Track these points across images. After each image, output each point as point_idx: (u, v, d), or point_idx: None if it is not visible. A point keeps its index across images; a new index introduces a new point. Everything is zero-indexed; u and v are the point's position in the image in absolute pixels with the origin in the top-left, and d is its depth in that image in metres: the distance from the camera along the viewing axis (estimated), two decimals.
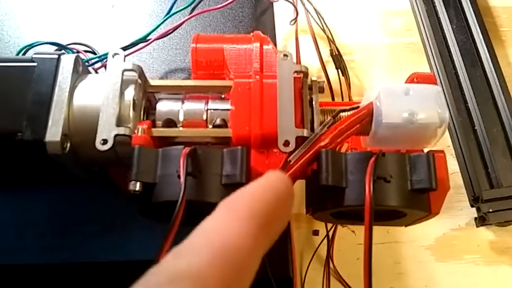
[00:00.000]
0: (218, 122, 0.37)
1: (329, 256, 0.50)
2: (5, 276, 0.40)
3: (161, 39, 0.47)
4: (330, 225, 0.50)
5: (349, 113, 0.36)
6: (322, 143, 0.34)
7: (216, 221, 0.23)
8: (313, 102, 0.37)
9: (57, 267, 0.40)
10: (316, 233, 0.51)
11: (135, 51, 0.46)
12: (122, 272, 0.40)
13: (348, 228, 0.51)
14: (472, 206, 0.52)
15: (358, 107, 0.36)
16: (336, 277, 0.50)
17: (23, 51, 0.47)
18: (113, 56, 0.36)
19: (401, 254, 0.51)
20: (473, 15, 0.60)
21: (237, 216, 0.23)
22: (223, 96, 0.39)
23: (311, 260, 0.50)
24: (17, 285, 0.40)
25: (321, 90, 0.37)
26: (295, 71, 0.37)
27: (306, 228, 0.51)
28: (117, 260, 0.40)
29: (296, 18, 0.58)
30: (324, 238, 0.50)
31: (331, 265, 0.50)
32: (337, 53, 0.58)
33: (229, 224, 0.22)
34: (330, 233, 0.50)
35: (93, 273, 0.40)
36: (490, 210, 0.50)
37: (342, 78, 0.58)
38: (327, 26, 0.59)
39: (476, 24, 0.59)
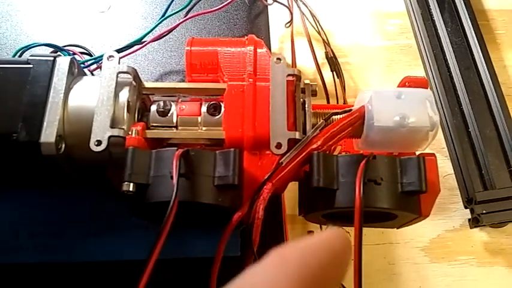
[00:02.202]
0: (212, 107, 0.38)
1: None
2: (0, 276, 0.40)
3: (156, 42, 0.47)
4: (324, 226, 0.50)
5: (341, 116, 0.36)
6: (314, 146, 0.34)
7: (264, 273, 0.21)
8: (306, 105, 0.37)
9: (52, 266, 0.40)
10: (311, 233, 0.52)
11: (130, 53, 0.46)
12: (117, 271, 0.40)
13: (343, 229, 0.51)
14: (465, 207, 0.53)
15: (350, 110, 0.36)
16: None
17: (19, 53, 0.47)
18: (108, 59, 0.36)
19: (395, 255, 0.52)
20: (468, 18, 0.60)
21: (286, 274, 0.21)
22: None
23: None
24: (12, 284, 0.40)
25: (314, 93, 0.38)
26: (288, 74, 0.37)
27: (301, 229, 0.52)
28: (112, 260, 0.40)
29: (291, 21, 0.58)
30: None
31: None
32: (332, 55, 0.59)
33: (277, 280, 0.21)
34: None
35: (88, 272, 0.40)
36: (484, 211, 0.50)
37: (337, 80, 0.58)
38: (322, 29, 0.60)
39: (471, 27, 0.60)
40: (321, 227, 0.50)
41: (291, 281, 0.21)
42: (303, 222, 0.52)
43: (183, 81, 0.48)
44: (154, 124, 0.37)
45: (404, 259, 0.51)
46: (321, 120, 0.36)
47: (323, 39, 0.60)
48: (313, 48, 0.58)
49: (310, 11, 0.60)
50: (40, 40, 0.49)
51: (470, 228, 0.53)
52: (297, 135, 0.35)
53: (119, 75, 0.36)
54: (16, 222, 0.41)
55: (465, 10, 0.61)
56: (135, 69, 0.37)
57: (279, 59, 0.37)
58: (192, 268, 0.40)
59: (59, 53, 0.47)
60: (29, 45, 0.47)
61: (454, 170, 0.55)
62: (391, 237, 0.52)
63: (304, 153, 0.34)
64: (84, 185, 0.41)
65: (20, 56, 0.47)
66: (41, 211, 0.41)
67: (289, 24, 0.58)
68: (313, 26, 0.60)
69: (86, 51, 0.49)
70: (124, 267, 0.40)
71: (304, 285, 0.21)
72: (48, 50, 0.48)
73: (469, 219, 0.53)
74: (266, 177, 0.33)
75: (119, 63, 0.36)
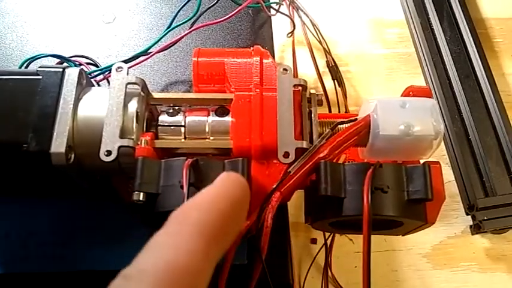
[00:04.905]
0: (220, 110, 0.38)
1: (327, 264, 0.50)
2: (8, 285, 0.40)
3: (162, 52, 0.48)
4: (327, 233, 0.50)
5: (347, 125, 0.37)
6: (321, 155, 0.34)
7: (164, 236, 0.22)
8: (312, 115, 0.38)
9: (59, 275, 0.41)
10: (314, 241, 0.52)
11: (136, 64, 0.47)
12: None
13: (346, 236, 0.52)
14: (467, 214, 0.53)
15: (356, 119, 0.37)
16: (334, 285, 0.50)
17: (25, 64, 0.48)
18: (117, 70, 0.36)
19: (398, 262, 0.52)
20: (467, 26, 0.61)
21: (186, 231, 0.22)
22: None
23: (309, 268, 0.51)
24: None
25: (320, 103, 0.38)
26: (295, 85, 0.37)
27: (304, 236, 0.52)
28: (119, 269, 0.40)
29: (293, 31, 0.59)
30: (322, 246, 0.51)
31: (329, 273, 0.50)
32: (333, 64, 0.59)
33: (177, 241, 0.21)
34: (328, 242, 0.51)
35: (95, 281, 0.41)
36: (485, 218, 0.51)
37: (339, 89, 0.58)
38: (323, 38, 0.60)
39: (470, 35, 0.61)
40: (324, 235, 0.50)
41: (192, 239, 0.21)
42: (306, 229, 0.52)
43: (189, 91, 0.48)
44: (163, 134, 0.37)
45: (407, 266, 0.52)
46: (327, 130, 0.36)
47: (324, 48, 0.60)
48: (314, 57, 0.59)
49: (311, 21, 0.61)
50: (46, 51, 0.49)
51: (472, 234, 0.53)
52: (304, 144, 0.36)
53: (128, 86, 0.36)
54: (24, 232, 0.41)
55: (464, 19, 0.62)
56: (144, 80, 0.37)
57: (285, 69, 0.38)
58: None
59: (65, 64, 0.48)
60: (35, 56, 0.48)
61: (455, 177, 0.56)
62: (394, 244, 0.53)
63: (311, 162, 0.34)
64: (92, 195, 0.41)
65: (26, 67, 0.47)
66: (49, 221, 0.41)
67: (290, 34, 0.59)
68: (314, 35, 0.60)
69: (92, 62, 0.49)
70: None
71: (205, 240, 0.22)
72: (54, 61, 0.48)
73: (471, 226, 0.53)
74: (275, 186, 0.33)
75: (128, 74, 0.37)
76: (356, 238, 0.52)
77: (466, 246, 0.53)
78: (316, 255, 0.51)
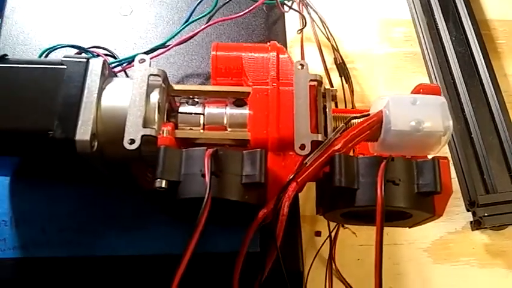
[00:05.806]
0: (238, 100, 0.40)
1: (331, 256, 0.51)
2: (27, 269, 0.41)
3: (178, 46, 0.49)
4: (332, 226, 0.52)
5: (360, 119, 0.38)
6: (336, 147, 0.36)
7: None
8: (327, 109, 0.39)
9: (77, 260, 0.42)
10: (318, 234, 0.53)
11: (153, 57, 0.48)
12: (141, 265, 0.42)
13: (349, 229, 0.53)
14: (468, 210, 0.55)
15: (368, 114, 0.38)
16: (337, 276, 0.51)
17: (44, 54, 0.48)
18: (140, 61, 0.38)
19: (400, 256, 0.53)
20: (471, 27, 0.63)
21: None
22: None
23: (313, 259, 0.52)
24: (39, 277, 0.41)
25: (334, 98, 0.40)
26: (310, 80, 0.39)
27: (309, 229, 0.53)
28: (136, 254, 0.42)
29: (303, 27, 0.60)
30: (326, 239, 0.52)
31: (333, 265, 0.51)
32: (341, 61, 0.61)
33: None
34: (332, 234, 0.52)
35: (113, 266, 0.42)
36: (485, 214, 0.52)
37: (346, 85, 0.60)
38: (331, 35, 0.62)
39: (474, 36, 0.62)
40: (328, 226, 0.51)
41: None
42: (311, 222, 0.54)
43: (204, 84, 0.49)
44: (182, 124, 0.39)
45: (408, 260, 0.53)
46: (341, 124, 0.38)
47: (332, 46, 0.61)
48: (322, 53, 0.60)
49: (320, 18, 0.62)
50: (63, 41, 0.50)
51: (472, 230, 0.55)
52: (320, 137, 0.37)
53: (150, 77, 0.37)
54: (44, 217, 0.42)
55: (469, 20, 0.63)
56: (165, 72, 0.38)
57: (302, 64, 0.39)
58: (208, 262, 0.42)
59: (83, 54, 0.49)
60: (54, 46, 0.49)
61: (456, 174, 0.57)
62: (396, 238, 0.54)
63: (326, 155, 0.36)
64: (111, 182, 0.42)
65: (45, 57, 0.48)
66: (69, 207, 0.42)
67: (300, 30, 0.60)
68: (322, 32, 0.62)
69: (109, 54, 0.50)
70: (148, 262, 0.41)
71: None
72: (73, 52, 0.49)
73: (471, 222, 0.55)
74: (291, 176, 0.35)
75: (150, 65, 0.38)
76: (359, 231, 0.53)
77: (466, 241, 0.55)
78: (321, 247, 0.52)
